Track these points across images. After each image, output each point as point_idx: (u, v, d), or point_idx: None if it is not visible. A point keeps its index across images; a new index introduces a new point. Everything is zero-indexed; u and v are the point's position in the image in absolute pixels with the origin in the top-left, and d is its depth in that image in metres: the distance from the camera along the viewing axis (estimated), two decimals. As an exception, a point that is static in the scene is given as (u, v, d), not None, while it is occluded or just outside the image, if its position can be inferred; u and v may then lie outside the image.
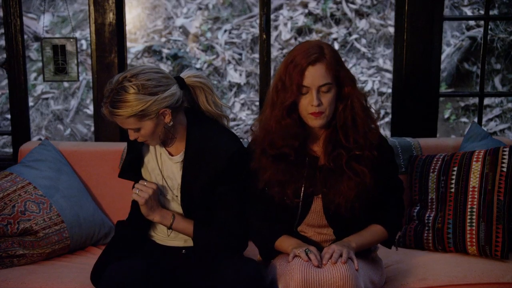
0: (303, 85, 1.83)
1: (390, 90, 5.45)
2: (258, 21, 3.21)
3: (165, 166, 2.00)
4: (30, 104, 5.49)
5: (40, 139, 2.64)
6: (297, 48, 1.89)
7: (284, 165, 1.90)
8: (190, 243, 2.02)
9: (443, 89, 5.44)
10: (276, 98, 1.88)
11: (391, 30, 5.52)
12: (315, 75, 1.82)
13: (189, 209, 1.99)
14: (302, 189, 1.91)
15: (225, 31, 5.80)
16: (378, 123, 1.96)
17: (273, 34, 5.67)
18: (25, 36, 3.40)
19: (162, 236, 2.07)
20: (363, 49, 5.69)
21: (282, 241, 1.91)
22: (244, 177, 1.97)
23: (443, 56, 5.36)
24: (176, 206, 2.03)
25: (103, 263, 1.95)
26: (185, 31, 5.79)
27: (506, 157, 2.24)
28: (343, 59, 1.94)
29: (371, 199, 1.91)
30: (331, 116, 1.88)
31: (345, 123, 1.87)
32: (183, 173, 1.96)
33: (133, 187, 1.98)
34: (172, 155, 2.01)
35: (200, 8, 5.80)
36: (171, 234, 2.03)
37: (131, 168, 2.05)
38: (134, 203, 2.04)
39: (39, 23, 5.55)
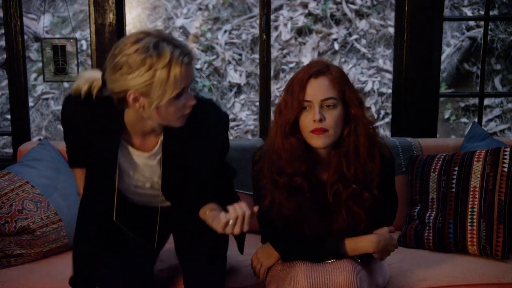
0: (304, 100, 1.67)
1: (390, 91, 5.44)
2: (258, 21, 3.21)
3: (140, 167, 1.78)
4: (30, 104, 5.48)
5: (40, 140, 2.64)
6: (302, 67, 1.75)
7: (301, 200, 1.73)
8: (166, 203, 1.87)
9: (443, 89, 5.44)
10: (279, 118, 1.73)
11: (391, 30, 5.51)
12: (317, 88, 1.67)
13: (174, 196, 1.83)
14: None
15: (225, 31, 5.79)
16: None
17: (273, 34, 5.66)
18: (25, 37, 3.39)
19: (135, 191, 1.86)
20: (363, 50, 5.68)
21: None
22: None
23: (443, 57, 5.36)
24: (153, 192, 1.83)
25: (90, 270, 1.85)
26: (185, 32, 5.78)
27: (507, 157, 2.23)
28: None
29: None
30: (337, 140, 1.72)
31: (348, 151, 1.72)
32: (163, 165, 1.74)
33: None
34: (142, 150, 1.76)
35: (200, 9, 5.79)
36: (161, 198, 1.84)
37: None
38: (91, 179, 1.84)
39: (39, 23, 5.54)
